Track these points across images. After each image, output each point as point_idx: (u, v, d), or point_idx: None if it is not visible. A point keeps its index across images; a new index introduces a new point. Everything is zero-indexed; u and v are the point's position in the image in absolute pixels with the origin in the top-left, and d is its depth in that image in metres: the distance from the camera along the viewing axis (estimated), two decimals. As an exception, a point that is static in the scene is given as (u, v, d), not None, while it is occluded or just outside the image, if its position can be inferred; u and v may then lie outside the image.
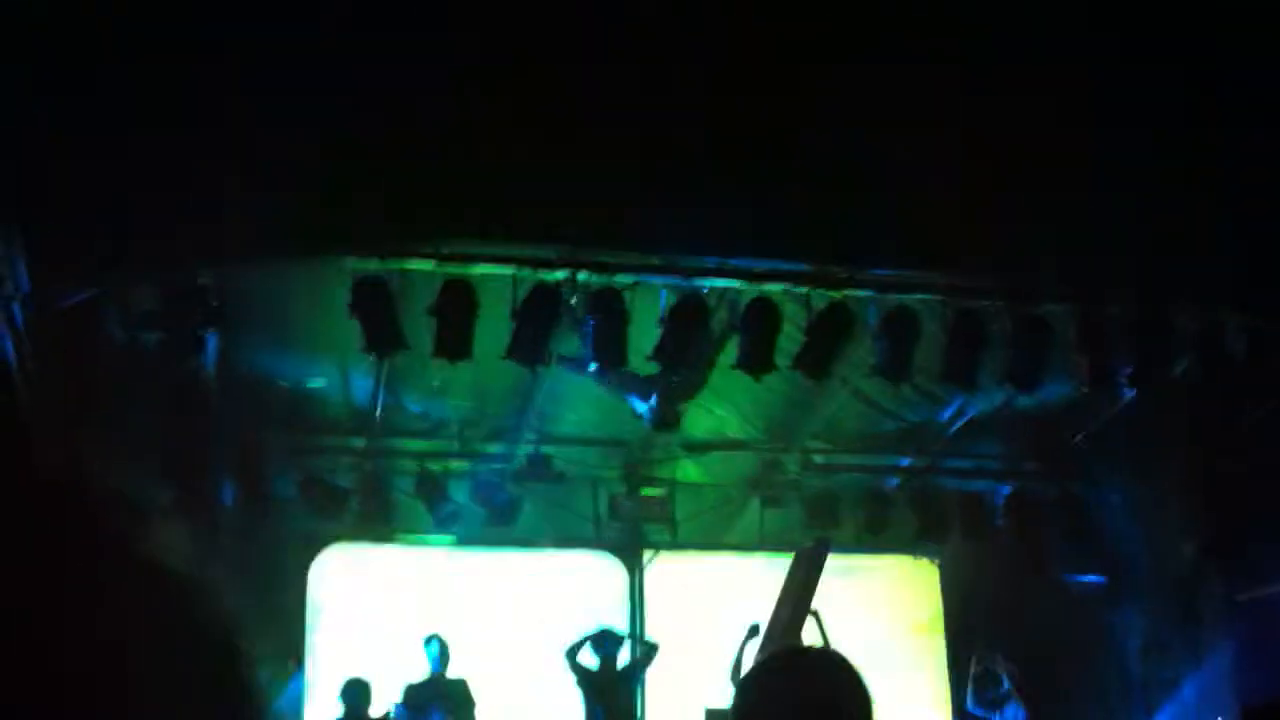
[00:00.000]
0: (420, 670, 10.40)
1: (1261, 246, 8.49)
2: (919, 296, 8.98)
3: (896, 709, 10.87)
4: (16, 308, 6.99)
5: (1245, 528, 11.05)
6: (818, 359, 9.08)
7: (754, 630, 9.87)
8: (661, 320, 8.65)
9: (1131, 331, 9.25)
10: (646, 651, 10.88)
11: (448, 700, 10.10)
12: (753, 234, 8.10)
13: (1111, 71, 7.74)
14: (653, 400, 9.58)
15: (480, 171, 7.67)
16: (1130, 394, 9.82)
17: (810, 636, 10.30)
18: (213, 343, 8.94)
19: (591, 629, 10.70)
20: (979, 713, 11.48)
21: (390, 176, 7.68)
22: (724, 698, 9.26)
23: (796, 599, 10.27)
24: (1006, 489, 12.20)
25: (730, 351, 9.02)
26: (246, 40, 7.00)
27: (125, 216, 7.34)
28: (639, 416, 9.87)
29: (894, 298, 8.94)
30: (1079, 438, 11.44)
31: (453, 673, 10.41)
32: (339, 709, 9.89)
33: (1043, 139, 8.02)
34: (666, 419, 9.82)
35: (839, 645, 10.34)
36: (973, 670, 11.63)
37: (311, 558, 11.52)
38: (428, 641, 10.43)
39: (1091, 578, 12.37)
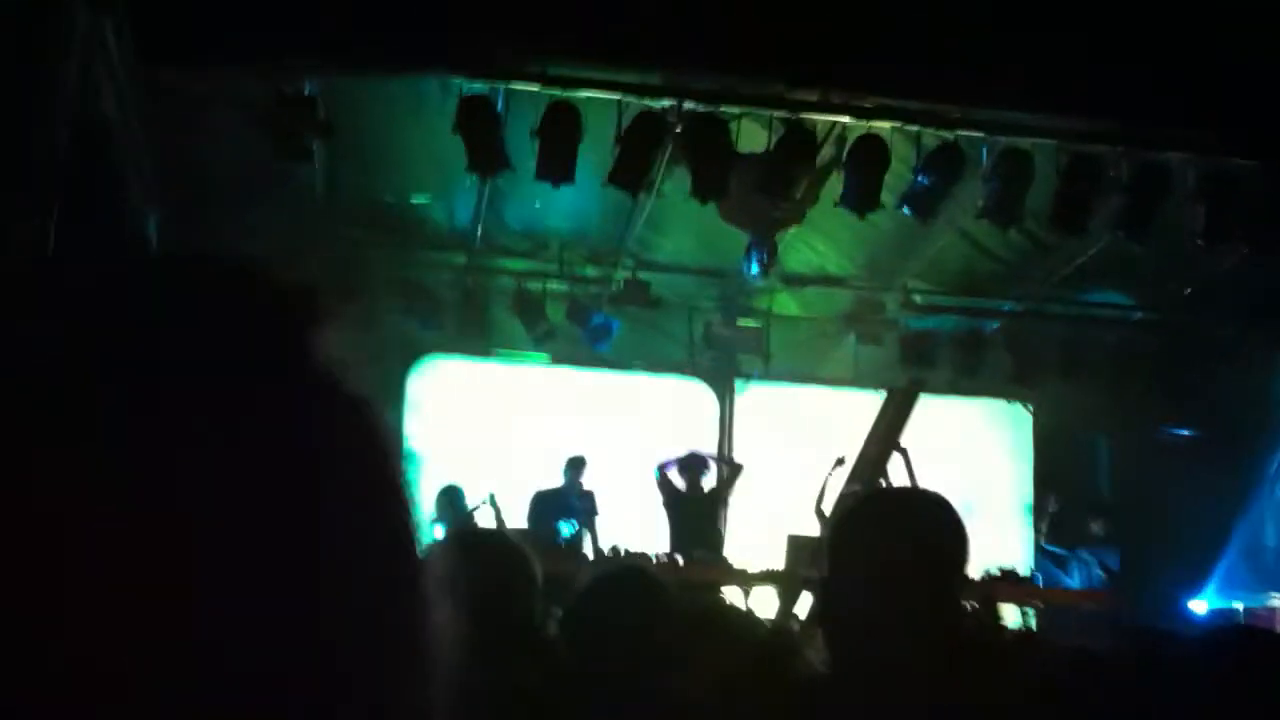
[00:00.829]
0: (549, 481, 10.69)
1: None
2: (1033, 140, 8.72)
3: (981, 547, 10.97)
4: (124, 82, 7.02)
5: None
6: (926, 198, 8.92)
7: (840, 462, 9.92)
8: (766, 152, 8.53)
9: (1252, 186, 8.95)
10: (732, 471, 11.02)
11: (573, 510, 10.41)
12: (864, 68, 7.88)
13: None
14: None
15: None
16: (1245, 250, 9.54)
17: (896, 474, 10.39)
18: (319, 153, 8.99)
19: (681, 452, 10.85)
20: (1057, 550, 11.56)
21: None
22: (807, 526, 9.42)
23: (885, 436, 10.32)
24: (1109, 337, 12.03)
25: (835, 186, 8.88)
26: None
27: (230, 19, 7.34)
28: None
29: (1007, 139, 8.69)
30: (1189, 291, 11.17)
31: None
32: (435, 513, 10.19)
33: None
34: (764, 261, 9.80)
35: (925, 482, 10.43)
36: (1051, 509, 11.69)
37: (410, 366, 11.77)
38: (566, 463, 10.71)
39: (1185, 431, 12.24)
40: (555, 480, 10.68)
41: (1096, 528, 11.46)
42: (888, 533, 2.35)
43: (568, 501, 10.49)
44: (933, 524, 2.38)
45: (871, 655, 2.26)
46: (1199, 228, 9.14)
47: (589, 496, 10.58)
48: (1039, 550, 11.87)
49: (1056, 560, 11.51)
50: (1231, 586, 11.35)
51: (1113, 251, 10.15)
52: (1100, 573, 11.21)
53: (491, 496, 9.97)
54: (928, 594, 2.26)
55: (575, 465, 10.68)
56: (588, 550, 10.19)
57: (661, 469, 10.68)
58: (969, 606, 2.44)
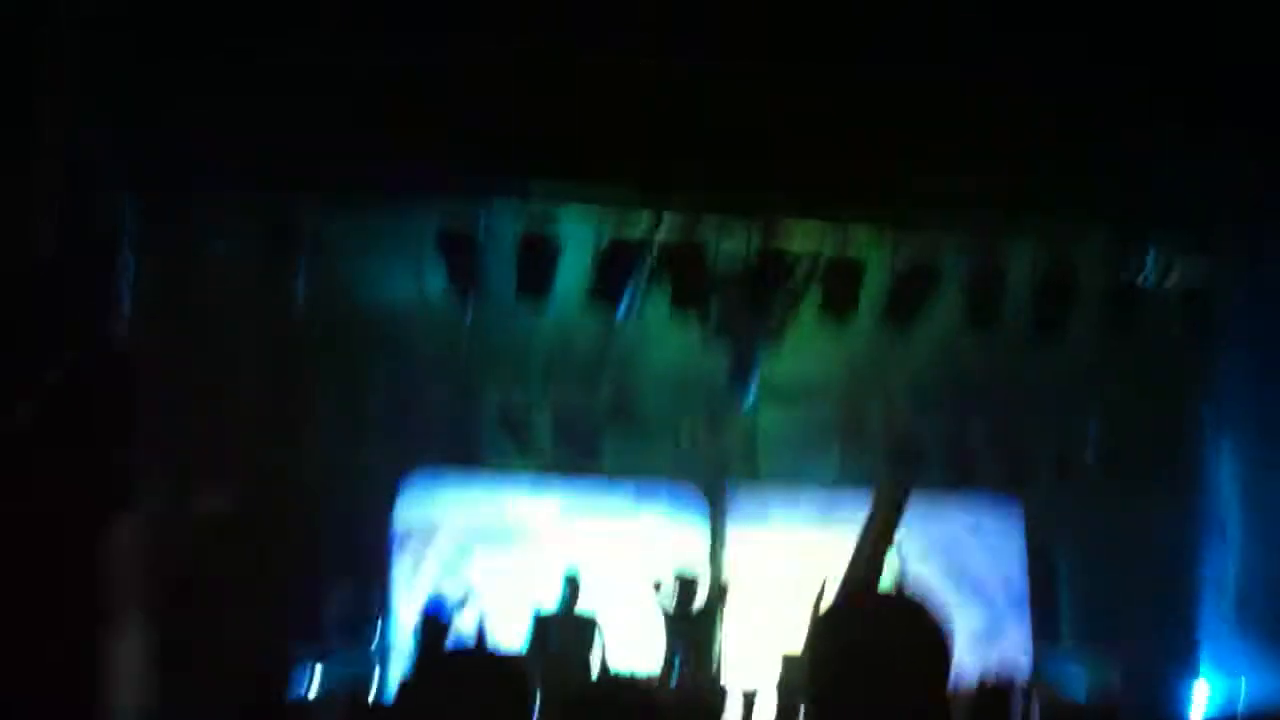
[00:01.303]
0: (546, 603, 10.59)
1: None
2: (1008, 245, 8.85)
3: (977, 652, 10.90)
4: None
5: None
6: (903, 307, 9.02)
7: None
8: (745, 268, 8.64)
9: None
10: (719, 592, 10.92)
11: (575, 634, 10.25)
12: (838, 182, 8.02)
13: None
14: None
15: (571, 117, 7.68)
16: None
17: (890, 573, 10.33)
18: (307, 269, 9.08)
19: (669, 573, 10.78)
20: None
21: (483, 118, 7.73)
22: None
23: (877, 537, 10.28)
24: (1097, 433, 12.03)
25: (813, 300, 8.98)
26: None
27: (231, 134, 7.49)
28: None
29: (981, 247, 8.82)
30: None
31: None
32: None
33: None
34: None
35: (916, 580, 10.38)
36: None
37: (397, 484, 11.73)
38: (564, 576, 10.59)
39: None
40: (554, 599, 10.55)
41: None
42: (862, 645, 2.32)
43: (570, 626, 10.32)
44: (913, 637, 2.34)
45: None
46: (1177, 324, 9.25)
47: (593, 621, 10.41)
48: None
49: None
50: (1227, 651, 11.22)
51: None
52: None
53: (469, 592, 9.94)
54: (911, 710, 2.24)
55: (572, 585, 10.53)
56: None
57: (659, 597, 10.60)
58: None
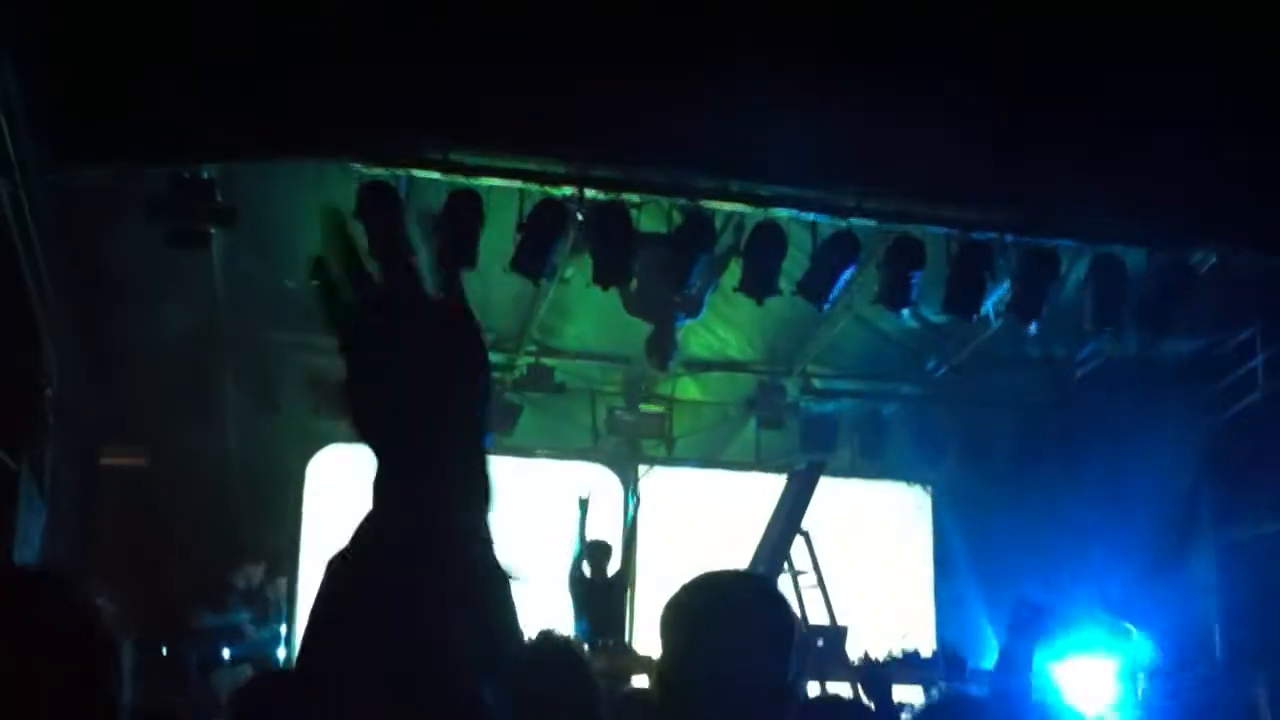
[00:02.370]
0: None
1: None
2: (925, 227, 8.95)
3: (882, 632, 11.03)
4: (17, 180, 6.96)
5: (1239, 469, 11.14)
6: (821, 285, 9.09)
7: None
8: (667, 239, 8.65)
9: (1142, 274, 9.26)
10: (630, 563, 10.97)
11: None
12: (762, 157, 8.05)
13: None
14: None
15: (493, 84, 7.62)
16: (1133, 334, 9.82)
17: (799, 555, 10.46)
18: (219, 239, 8.93)
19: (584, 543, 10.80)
20: None
21: (402, 83, 7.64)
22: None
23: (787, 519, 10.41)
24: (1006, 420, 12.25)
25: (734, 273, 9.02)
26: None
27: (136, 102, 7.33)
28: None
29: (900, 226, 8.91)
30: (1080, 374, 11.45)
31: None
32: None
33: (1060, 71, 7.95)
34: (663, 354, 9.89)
35: (827, 564, 10.51)
36: None
37: (309, 456, 11.62)
38: None
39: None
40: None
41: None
42: (703, 620, 2.35)
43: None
44: (750, 607, 2.38)
45: None
46: (1087, 314, 9.41)
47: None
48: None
49: None
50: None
51: (1007, 335, 10.41)
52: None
53: None
54: (753, 679, 2.27)
55: None
56: None
57: (573, 568, 10.60)
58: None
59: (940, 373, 11.90)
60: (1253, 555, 11.04)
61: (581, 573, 10.63)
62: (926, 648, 10.85)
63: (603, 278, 8.74)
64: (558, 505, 11.83)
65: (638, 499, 11.99)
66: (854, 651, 9.87)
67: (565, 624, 10.49)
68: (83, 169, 7.73)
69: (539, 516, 11.73)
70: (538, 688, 2.50)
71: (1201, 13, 7.68)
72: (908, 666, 9.98)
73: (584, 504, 10.59)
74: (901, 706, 6.87)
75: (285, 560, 11.30)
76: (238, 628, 10.48)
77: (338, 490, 11.70)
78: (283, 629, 10.85)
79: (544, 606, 10.77)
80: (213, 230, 8.49)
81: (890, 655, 10.12)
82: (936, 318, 10.14)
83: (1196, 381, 11.18)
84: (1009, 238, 9.05)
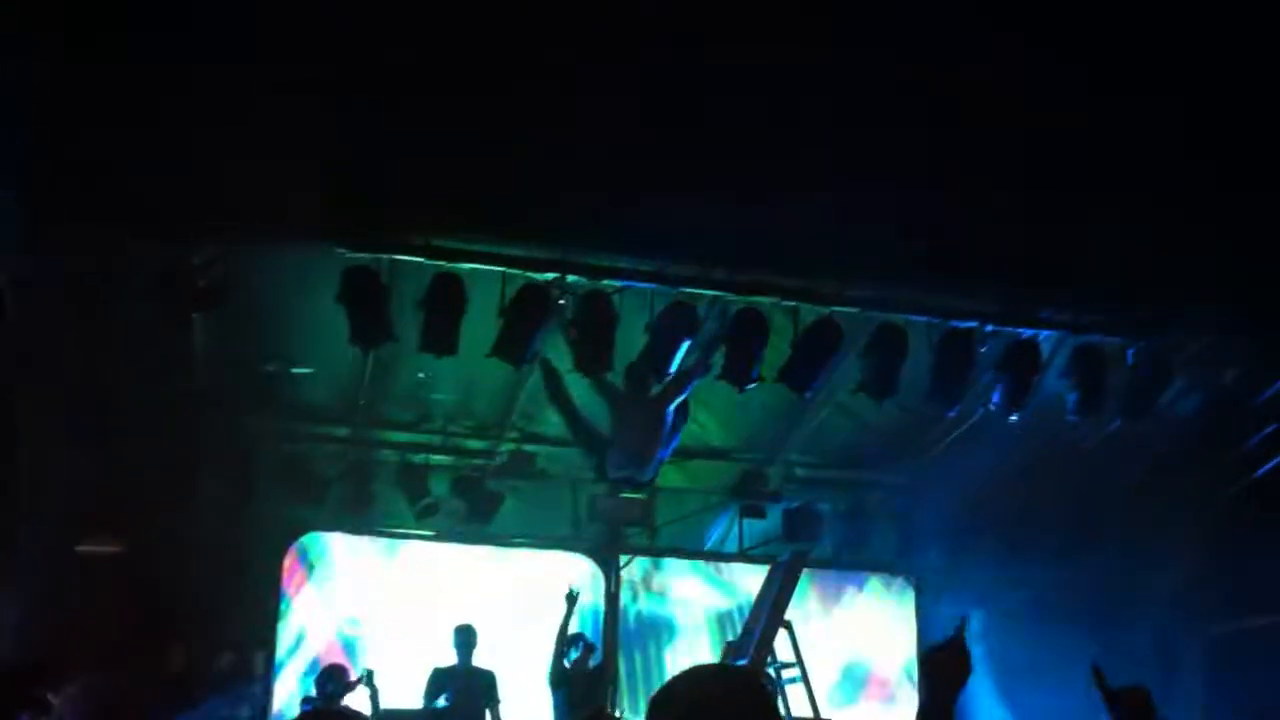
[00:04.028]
0: (443, 658, 10.28)
1: (1256, 278, 8.49)
2: (907, 316, 8.98)
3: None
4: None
5: (1225, 561, 11.06)
6: (803, 373, 9.08)
7: (730, 645, 9.96)
8: (649, 327, 8.65)
9: (1124, 361, 9.29)
10: (613, 653, 10.80)
11: (472, 688, 10.01)
12: (742, 245, 8.08)
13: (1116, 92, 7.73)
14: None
15: (476, 170, 7.66)
16: (1117, 423, 9.81)
17: (782, 648, 10.33)
18: (201, 323, 8.91)
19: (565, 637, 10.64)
20: None
21: (387, 169, 7.68)
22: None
23: (770, 610, 10.29)
24: (995, 506, 12.15)
25: (715, 362, 9.01)
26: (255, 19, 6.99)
27: (119, 184, 7.34)
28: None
29: (881, 315, 8.93)
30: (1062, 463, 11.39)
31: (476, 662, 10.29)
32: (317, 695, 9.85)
33: (1041, 154, 8.02)
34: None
35: (810, 655, 10.38)
36: None
37: (287, 542, 11.50)
38: (456, 630, 10.30)
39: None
40: (448, 657, 10.30)
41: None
42: (690, 712, 2.33)
43: (466, 681, 10.09)
44: (736, 705, 2.37)
45: None
46: (1071, 405, 9.41)
47: (489, 677, 10.18)
48: None
49: None
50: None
51: (989, 423, 10.39)
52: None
53: (368, 674, 9.67)
54: None
55: (466, 638, 10.28)
56: None
57: (554, 665, 10.43)
58: None
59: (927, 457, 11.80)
60: (1245, 650, 10.94)
61: (563, 666, 10.47)
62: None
63: (583, 365, 8.73)
64: (539, 597, 11.73)
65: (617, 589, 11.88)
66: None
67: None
68: (66, 250, 7.73)
69: (519, 608, 11.62)
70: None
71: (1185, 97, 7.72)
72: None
73: (572, 597, 10.43)
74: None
75: (261, 649, 11.12)
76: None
77: (315, 577, 11.61)
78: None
79: (525, 699, 10.64)
80: (195, 313, 8.46)
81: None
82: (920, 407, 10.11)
83: (1179, 472, 11.14)
84: (989, 327, 9.07)
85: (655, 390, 9.24)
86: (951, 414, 10.00)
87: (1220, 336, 9.25)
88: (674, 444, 9.57)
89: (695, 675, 2.44)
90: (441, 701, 9.76)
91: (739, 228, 7.88)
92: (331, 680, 9.70)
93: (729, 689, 2.43)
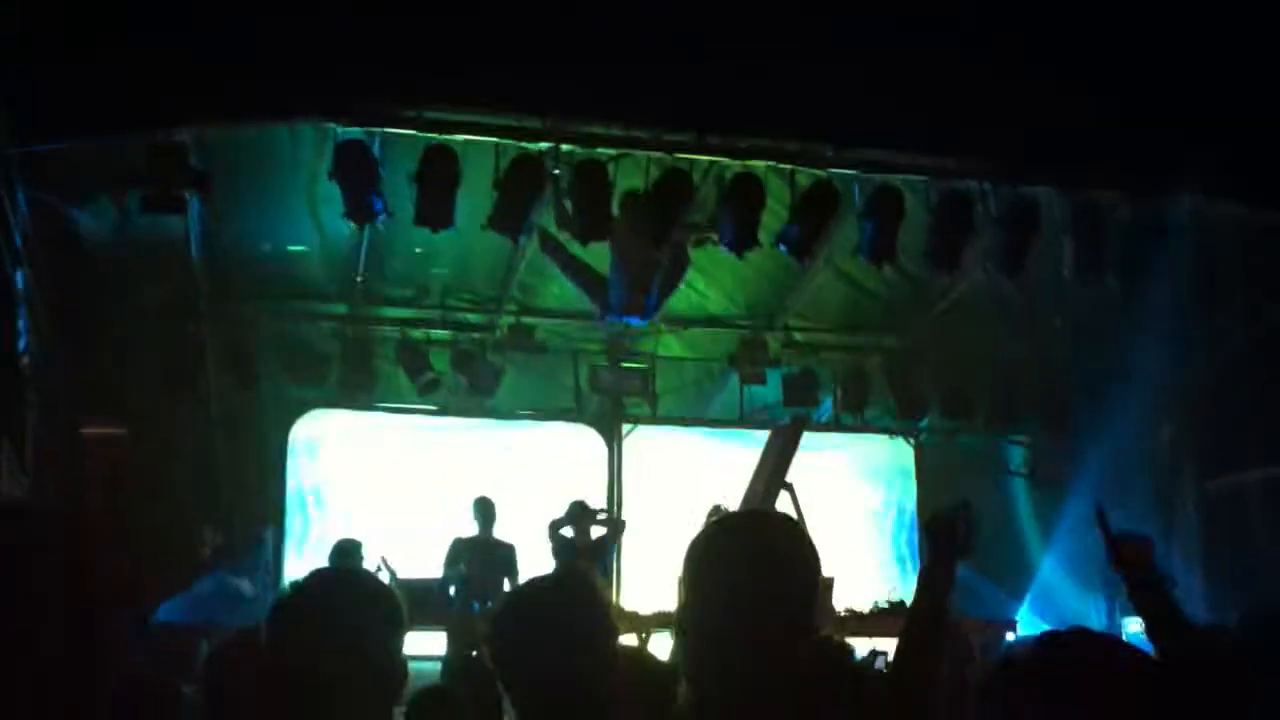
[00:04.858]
0: (463, 529, 10.44)
1: (1259, 139, 8.43)
2: (905, 176, 8.91)
3: (864, 586, 11.08)
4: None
5: (1217, 418, 11.17)
6: (801, 238, 9.05)
7: (716, 509, 10.02)
8: (647, 193, 8.59)
9: (1122, 222, 9.25)
10: (614, 527, 10.93)
11: (492, 559, 10.17)
12: (737, 109, 8.00)
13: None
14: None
15: (466, 40, 7.55)
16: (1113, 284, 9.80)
17: (784, 510, 10.46)
18: (195, 207, 8.85)
19: (568, 505, 10.76)
20: None
21: (376, 42, 7.56)
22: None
23: (771, 473, 10.39)
24: (990, 371, 12.24)
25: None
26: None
27: (105, 71, 7.25)
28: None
29: (879, 177, 8.87)
30: (1059, 321, 11.43)
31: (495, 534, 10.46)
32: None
33: (1035, 17, 7.92)
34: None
35: (811, 518, 10.51)
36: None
37: (291, 423, 11.57)
38: (475, 503, 10.43)
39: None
40: (461, 528, 10.43)
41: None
42: (737, 558, 2.36)
43: (485, 552, 10.24)
44: (782, 547, 2.39)
45: (728, 681, 2.28)
46: (1068, 262, 9.39)
47: (508, 549, 10.34)
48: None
49: None
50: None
51: (988, 287, 10.40)
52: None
53: (383, 560, 9.83)
54: (781, 618, 2.28)
55: (485, 510, 10.40)
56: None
57: (554, 524, 10.55)
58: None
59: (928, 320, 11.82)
60: (1236, 505, 11.09)
61: (564, 536, 10.59)
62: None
63: (582, 233, 8.69)
64: (540, 466, 11.85)
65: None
66: (840, 603, 9.90)
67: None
68: (53, 140, 7.65)
69: (522, 477, 11.74)
70: (560, 619, 2.50)
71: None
72: (894, 616, 10.02)
73: (579, 507, 10.55)
74: (876, 655, 6.89)
75: (270, 525, 11.27)
76: (237, 589, 10.46)
77: (320, 455, 11.72)
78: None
79: (528, 571, 10.79)
80: (188, 196, 8.39)
81: (876, 606, 10.17)
82: (918, 270, 10.12)
83: (1175, 331, 11.18)
84: (989, 186, 9.01)
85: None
86: (950, 276, 10.02)
87: (1217, 193, 9.19)
88: (673, 289, 9.61)
89: (736, 523, 2.48)
90: (460, 570, 9.93)
91: (733, 93, 7.79)
92: (345, 556, 9.81)
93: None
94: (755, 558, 2.33)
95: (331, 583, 2.56)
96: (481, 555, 10.10)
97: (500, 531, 10.46)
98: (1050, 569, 12.05)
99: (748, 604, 2.27)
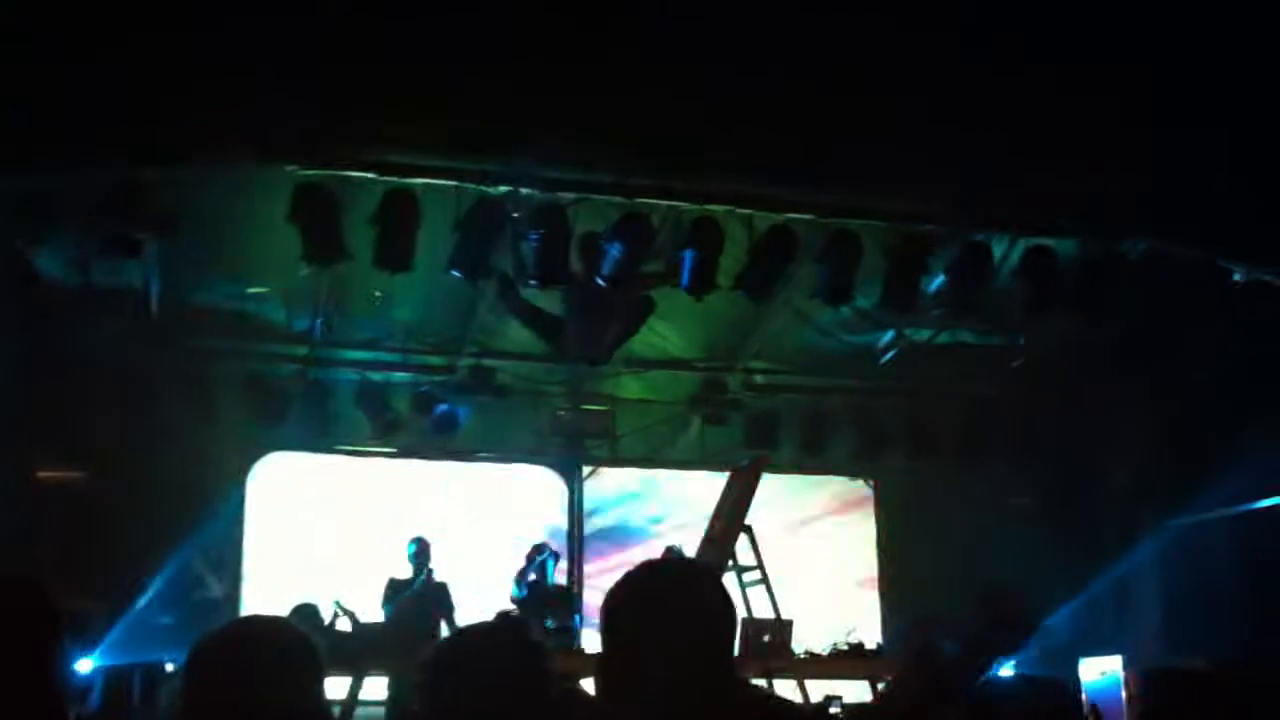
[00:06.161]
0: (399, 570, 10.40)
1: (1210, 182, 8.57)
2: (862, 221, 9.02)
3: (829, 622, 11.09)
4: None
5: (1179, 455, 11.28)
6: (760, 280, 9.13)
7: (669, 550, 10.10)
8: (605, 237, 8.65)
9: (1074, 262, 9.38)
10: (578, 564, 10.92)
11: (427, 599, 10.14)
12: (696, 154, 8.07)
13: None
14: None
15: (425, 83, 7.59)
16: (1067, 322, 9.94)
17: (742, 552, 10.49)
18: (152, 251, 8.83)
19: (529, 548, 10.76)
20: None
21: (335, 85, 7.59)
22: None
23: (730, 515, 10.43)
24: (948, 412, 12.32)
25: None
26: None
27: (68, 107, 7.24)
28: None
29: (836, 221, 8.96)
30: (1016, 364, 11.55)
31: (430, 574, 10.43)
32: None
33: (996, 72, 8.03)
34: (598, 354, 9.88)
35: (770, 558, 10.54)
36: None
37: (250, 465, 11.51)
38: (411, 543, 10.41)
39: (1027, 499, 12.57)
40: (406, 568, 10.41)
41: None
42: (650, 607, 2.37)
43: (423, 593, 10.22)
44: (704, 599, 2.42)
45: None
46: (1020, 302, 9.53)
47: (441, 588, 10.32)
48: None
49: None
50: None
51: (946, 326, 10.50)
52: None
53: (337, 603, 9.78)
54: (703, 667, 2.30)
55: (420, 550, 10.40)
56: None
57: (517, 580, 10.53)
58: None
59: (882, 364, 11.92)
60: (1195, 540, 11.19)
61: (528, 578, 10.58)
62: (871, 640, 10.91)
63: (542, 279, 8.74)
64: (500, 507, 11.83)
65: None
66: (799, 645, 9.91)
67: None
68: (14, 174, 7.63)
69: (483, 517, 11.72)
70: (492, 667, 2.51)
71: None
72: (853, 659, 10.04)
73: (542, 550, 10.55)
74: (831, 700, 6.91)
75: (228, 567, 11.20)
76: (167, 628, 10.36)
77: (281, 499, 11.64)
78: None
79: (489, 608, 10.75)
80: (146, 240, 8.37)
81: (835, 648, 10.18)
82: (875, 311, 10.20)
83: (1136, 368, 11.31)
84: (944, 230, 9.13)
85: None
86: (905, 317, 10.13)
87: (1168, 240, 9.35)
88: (635, 332, 9.67)
89: (648, 567, 2.50)
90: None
91: (692, 138, 7.87)
92: (302, 619, 9.71)
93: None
94: (667, 607, 2.35)
95: (246, 631, 2.59)
96: (417, 595, 10.08)
97: (464, 573, 10.44)
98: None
99: (657, 653, 2.29)
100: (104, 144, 7.62)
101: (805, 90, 7.87)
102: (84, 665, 9.37)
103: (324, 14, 7.17)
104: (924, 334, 11.12)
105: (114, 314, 9.92)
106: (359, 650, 9.12)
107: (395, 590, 10.11)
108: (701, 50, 7.58)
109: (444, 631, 9.93)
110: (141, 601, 10.29)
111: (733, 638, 2.38)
